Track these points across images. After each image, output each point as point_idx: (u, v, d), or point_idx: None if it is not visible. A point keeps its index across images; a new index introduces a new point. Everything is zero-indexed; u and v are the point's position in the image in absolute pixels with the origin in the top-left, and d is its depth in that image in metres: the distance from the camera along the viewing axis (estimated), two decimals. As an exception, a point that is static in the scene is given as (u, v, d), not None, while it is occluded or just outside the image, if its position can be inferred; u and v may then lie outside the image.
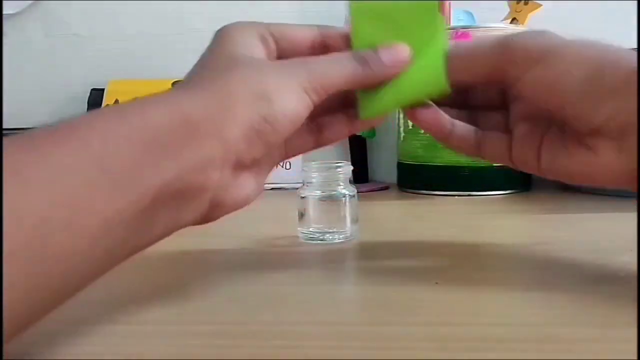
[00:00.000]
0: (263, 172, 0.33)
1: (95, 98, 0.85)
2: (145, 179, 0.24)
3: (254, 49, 0.32)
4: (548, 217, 0.57)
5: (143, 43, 0.92)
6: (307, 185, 0.47)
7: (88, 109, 0.85)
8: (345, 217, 0.46)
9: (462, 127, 0.37)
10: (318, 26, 0.34)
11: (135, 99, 0.27)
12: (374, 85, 0.33)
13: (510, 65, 0.32)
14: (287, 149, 0.35)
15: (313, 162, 0.47)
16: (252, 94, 0.28)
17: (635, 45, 0.65)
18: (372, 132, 0.83)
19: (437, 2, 0.37)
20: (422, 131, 0.70)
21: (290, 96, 0.29)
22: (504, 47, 0.32)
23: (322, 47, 0.34)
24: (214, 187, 0.28)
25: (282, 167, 0.83)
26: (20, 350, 0.24)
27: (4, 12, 0.92)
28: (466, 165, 0.69)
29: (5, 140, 0.22)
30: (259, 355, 0.25)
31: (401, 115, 0.75)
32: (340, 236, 0.46)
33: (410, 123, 0.73)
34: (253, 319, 0.29)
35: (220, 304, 0.31)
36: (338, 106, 0.36)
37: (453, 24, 0.72)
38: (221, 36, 0.32)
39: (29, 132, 0.23)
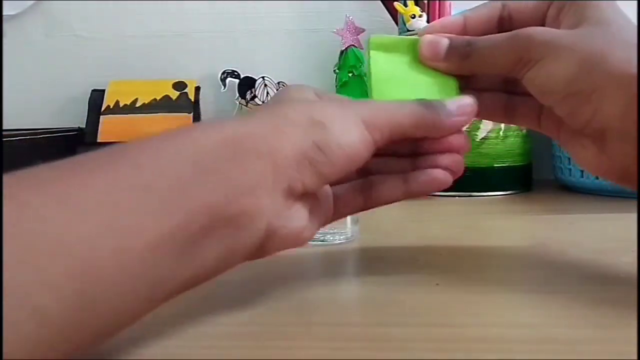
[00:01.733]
0: (315, 217, 0.30)
1: (96, 99, 0.85)
2: (193, 199, 0.23)
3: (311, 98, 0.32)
4: (548, 218, 0.57)
5: (144, 44, 0.92)
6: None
7: (88, 109, 0.85)
8: (346, 218, 0.46)
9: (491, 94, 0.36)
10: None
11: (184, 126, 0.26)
12: (438, 134, 0.32)
13: (516, 64, 0.32)
14: (336, 205, 0.33)
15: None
16: (307, 119, 0.27)
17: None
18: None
19: None
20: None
21: (349, 128, 0.28)
22: (514, 43, 0.32)
23: None
24: (266, 212, 0.26)
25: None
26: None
27: (5, 12, 0.92)
28: (467, 165, 0.68)
29: (48, 167, 0.21)
30: (260, 356, 0.25)
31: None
32: (341, 237, 0.46)
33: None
34: (253, 320, 0.29)
35: (220, 305, 0.31)
36: (395, 165, 0.34)
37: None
38: (284, 89, 0.33)
39: (76, 157, 0.23)
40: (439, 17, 0.72)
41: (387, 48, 0.36)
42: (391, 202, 0.34)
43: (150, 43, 0.92)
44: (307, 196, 0.28)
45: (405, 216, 0.63)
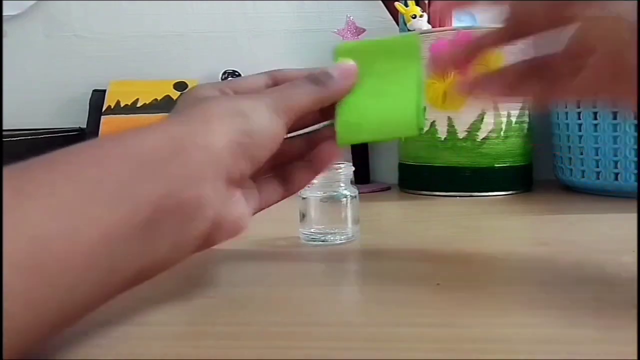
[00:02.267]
0: (250, 206, 0.35)
1: (97, 99, 0.85)
2: (140, 192, 0.25)
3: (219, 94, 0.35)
4: (549, 218, 0.57)
5: (144, 44, 0.92)
6: (309, 186, 0.47)
7: (89, 109, 0.85)
8: (346, 218, 0.46)
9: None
10: (267, 72, 0.37)
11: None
12: (334, 102, 0.36)
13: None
14: (261, 198, 0.37)
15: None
16: (229, 112, 0.31)
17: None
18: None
19: (416, 36, 0.39)
20: (424, 132, 0.71)
21: (264, 114, 0.32)
22: None
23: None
24: (211, 202, 0.29)
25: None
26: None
27: (5, 13, 0.92)
28: (467, 165, 0.69)
29: (5, 167, 0.23)
30: (262, 356, 0.25)
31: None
32: (342, 237, 0.46)
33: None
34: (255, 320, 0.29)
35: (222, 305, 0.31)
36: (298, 156, 0.39)
37: (455, 24, 0.72)
38: (187, 92, 0.35)
39: (42, 156, 0.25)
40: (438, 18, 0.72)
41: (352, 53, 0.37)
42: (304, 187, 0.40)
43: (151, 43, 0.92)
44: (242, 184, 0.32)
45: (405, 216, 0.63)
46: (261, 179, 0.37)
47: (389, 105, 0.36)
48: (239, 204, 0.32)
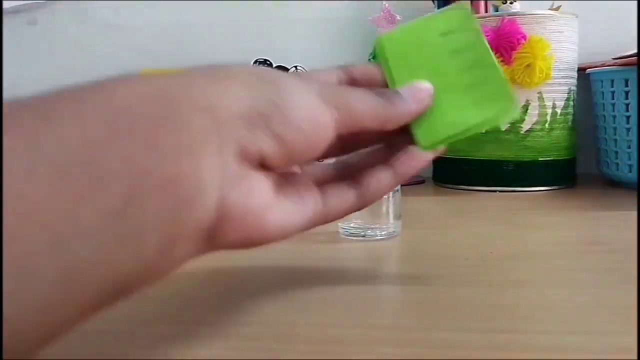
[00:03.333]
0: (289, 199, 0.26)
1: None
2: (103, 166, 0.18)
3: None
4: (597, 215, 0.54)
5: (176, 32, 0.91)
6: (388, 195, 0.45)
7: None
8: (388, 212, 0.44)
9: None
10: (341, 66, 0.31)
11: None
12: (398, 125, 0.29)
13: None
14: (326, 199, 0.28)
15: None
16: (257, 78, 0.23)
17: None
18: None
19: (465, 4, 0.34)
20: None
21: (307, 96, 0.24)
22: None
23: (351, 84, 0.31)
24: (213, 180, 0.21)
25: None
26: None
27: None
28: (510, 159, 0.66)
29: None
30: (314, 356, 0.23)
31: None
32: (383, 232, 0.44)
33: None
34: (301, 320, 0.27)
35: (261, 304, 0.30)
36: (380, 158, 0.30)
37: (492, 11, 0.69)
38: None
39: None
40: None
41: (402, 44, 0.32)
42: (384, 193, 0.30)
43: (182, 32, 0.91)
44: (270, 168, 0.24)
45: (444, 211, 0.60)
46: (327, 185, 0.29)
47: (473, 86, 0.30)
48: (258, 191, 0.23)
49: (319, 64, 0.90)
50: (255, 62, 0.85)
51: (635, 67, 0.61)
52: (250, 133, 0.22)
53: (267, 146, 0.23)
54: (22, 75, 0.94)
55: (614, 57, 0.67)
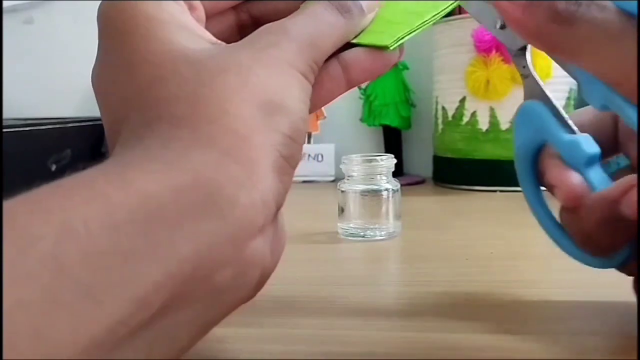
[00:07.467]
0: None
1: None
2: (149, 272, 0.16)
3: (196, 29, 0.22)
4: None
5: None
6: (348, 179, 0.44)
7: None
8: (387, 212, 0.44)
9: None
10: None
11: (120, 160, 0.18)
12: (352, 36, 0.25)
13: None
14: (317, 97, 0.24)
15: (353, 155, 0.45)
16: (261, 111, 0.20)
17: None
18: (408, 124, 0.80)
19: None
20: (463, 123, 0.68)
21: (295, 92, 0.21)
22: None
23: None
24: (261, 260, 0.20)
25: (314, 159, 0.81)
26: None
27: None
28: (510, 159, 0.65)
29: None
30: (307, 356, 0.23)
31: (439, 107, 0.72)
32: (382, 232, 0.43)
33: (449, 115, 0.70)
34: (301, 320, 0.27)
35: (261, 304, 0.29)
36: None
37: None
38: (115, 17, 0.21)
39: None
40: None
41: None
42: (371, 78, 0.27)
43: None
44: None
45: (444, 211, 0.60)
46: None
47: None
48: (282, 232, 0.22)
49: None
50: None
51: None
52: (280, 185, 0.20)
53: (288, 186, 0.21)
54: (18, 74, 0.94)
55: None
